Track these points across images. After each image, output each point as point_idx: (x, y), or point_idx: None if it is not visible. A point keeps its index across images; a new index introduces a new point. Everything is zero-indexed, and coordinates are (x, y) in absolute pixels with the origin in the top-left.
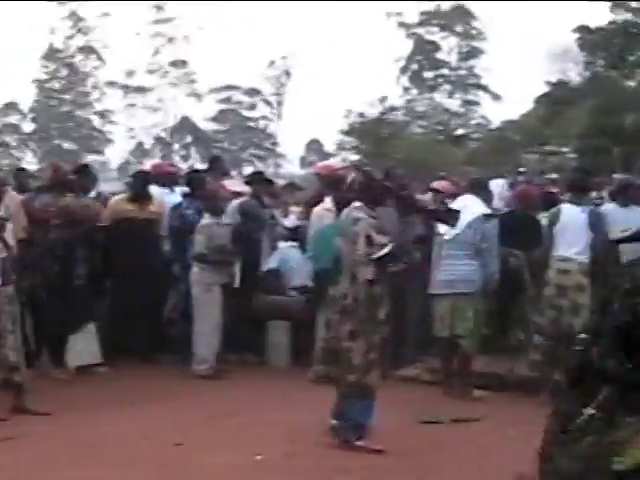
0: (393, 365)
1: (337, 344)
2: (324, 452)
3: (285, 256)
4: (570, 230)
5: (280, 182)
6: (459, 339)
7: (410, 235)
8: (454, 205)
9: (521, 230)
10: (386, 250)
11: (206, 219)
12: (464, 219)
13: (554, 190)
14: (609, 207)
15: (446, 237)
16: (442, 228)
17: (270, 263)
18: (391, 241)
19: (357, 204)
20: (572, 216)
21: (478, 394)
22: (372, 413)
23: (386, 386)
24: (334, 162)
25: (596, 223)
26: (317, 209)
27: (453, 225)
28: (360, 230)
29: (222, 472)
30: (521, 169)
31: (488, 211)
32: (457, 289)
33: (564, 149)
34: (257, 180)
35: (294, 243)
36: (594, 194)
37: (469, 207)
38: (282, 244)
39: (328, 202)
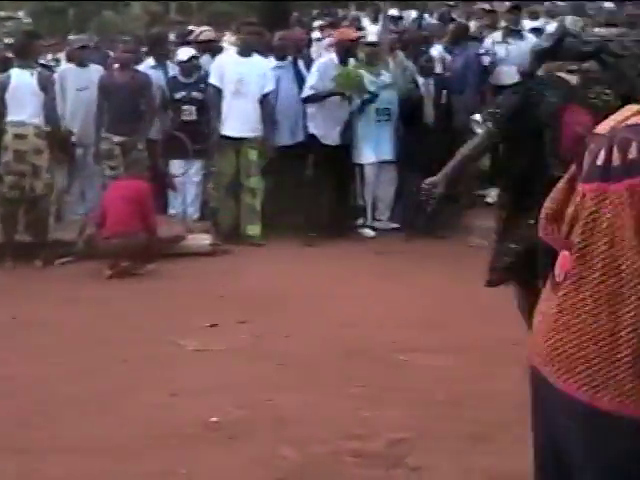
0: None
1: None
2: None
3: None
4: (21, 94)
5: None
6: None
7: None
8: None
9: None
10: None
11: None
12: None
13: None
14: (65, 67)
15: None
16: None
17: None
18: None
19: None
20: (21, 80)
21: None
22: None
23: None
24: None
25: (46, 85)
26: None
27: None
28: None
29: None
30: None
31: None
32: None
33: (19, 13)
34: None
35: None
36: (50, 56)
37: None
38: None
39: None
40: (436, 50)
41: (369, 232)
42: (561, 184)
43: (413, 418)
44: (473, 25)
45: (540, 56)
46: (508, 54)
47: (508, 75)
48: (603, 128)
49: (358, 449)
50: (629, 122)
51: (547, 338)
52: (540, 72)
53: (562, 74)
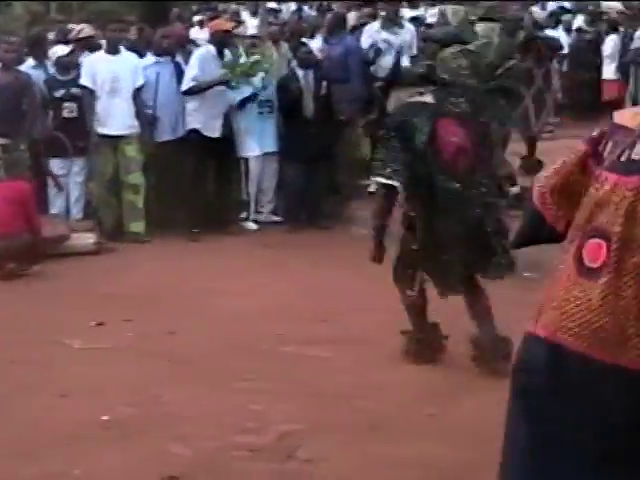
0: None
1: None
2: None
3: None
4: None
5: None
6: None
7: None
8: None
9: None
10: None
11: None
12: None
13: None
14: None
15: None
16: None
17: None
18: None
19: None
20: None
21: None
22: None
23: None
24: None
25: None
26: None
27: None
28: None
29: None
30: None
31: None
32: None
33: None
34: None
35: None
36: None
37: None
38: None
39: None
40: (316, 42)
41: (252, 225)
42: (571, 160)
43: (303, 410)
44: (353, 16)
45: (383, 89)
46: (388, 44)
47: (388, 65)
48: (630, 122)
49: (250, 443)
50: None
51: (591, 322)
52: (392, 102)
53: (417, 98)
